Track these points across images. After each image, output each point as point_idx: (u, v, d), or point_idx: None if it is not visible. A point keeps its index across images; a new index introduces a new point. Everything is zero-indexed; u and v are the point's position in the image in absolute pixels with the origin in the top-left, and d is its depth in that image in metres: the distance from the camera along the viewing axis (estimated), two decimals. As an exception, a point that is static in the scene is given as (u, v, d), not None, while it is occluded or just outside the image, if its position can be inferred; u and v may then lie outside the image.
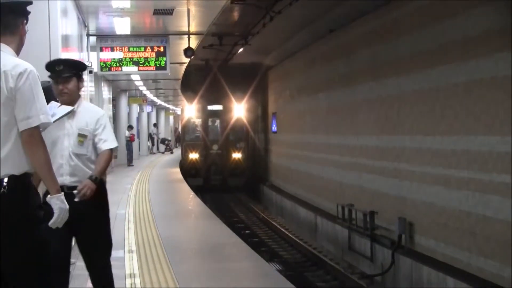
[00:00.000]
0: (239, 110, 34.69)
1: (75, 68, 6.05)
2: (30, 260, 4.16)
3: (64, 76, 5.84)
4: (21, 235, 4.13)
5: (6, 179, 4.08)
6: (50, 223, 4.33)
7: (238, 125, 34.97)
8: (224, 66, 30.72)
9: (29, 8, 4.50)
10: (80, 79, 6.06)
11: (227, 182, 34.21)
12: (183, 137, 36.54)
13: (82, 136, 5.81)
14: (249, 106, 35.37)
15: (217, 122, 36.29)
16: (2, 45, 4.33)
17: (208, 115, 35.86)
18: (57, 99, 5.86)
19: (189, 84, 33.06)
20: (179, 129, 46.57)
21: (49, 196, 4.34)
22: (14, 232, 4.10)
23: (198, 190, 21.96)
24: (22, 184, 4.15)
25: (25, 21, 4.50)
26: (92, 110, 6.18)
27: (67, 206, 4.39)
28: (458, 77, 12.75)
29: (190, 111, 35.74)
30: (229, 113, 34.94)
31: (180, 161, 36.78)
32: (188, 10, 15.12)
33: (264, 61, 31.07)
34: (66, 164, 5.73)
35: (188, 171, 33.03)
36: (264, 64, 31.97)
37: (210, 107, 35.43)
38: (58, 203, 4.34)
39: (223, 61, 29.77)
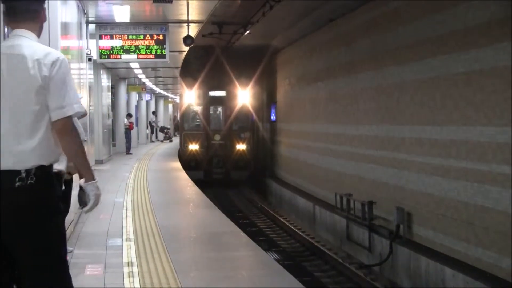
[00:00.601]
0: (244, 96, 31.50)
1: None
2: (52, 249, 4.19)
3: None
4: (45, 226, 4.14)
5: (33, 170, 4.07)
6: (85, 210, 4.42)
7: (243, 113, 31.69)
8: (227, 48, 27.25)
9: None
10: None
11: (230, 176, 31.00)
12: (182, 126, 32.67)
13: None
14: (255, 92, 32.32)
15: (220, 109, 32.69)
16: (27, 31, 4.32)
17: (209, 102, 32.24)
18: None
19: (190, 68, 30.42)
20: (178, 118, 45.56)
21: (84, 182, 4.34)
22: (39, 223, 4.12)
23: (198, 184, 20.67)
24: (48, 175, 4.16)
25: (45, 7, 4.49)
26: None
27: (101, 193, 4.43)
28: (458, 67, 12.74)
29: (190, 97, 31.91)
30: (233, 99, 31.60)
31: (178, 151, 34.54)
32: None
33: (272, 42, 28.22)
34: None
35: (188, 163, 29.65)
36: (272, 46, 29.02)
37: (212, 93, 32.00)
38: (94, 190, 4.35)
39: (227, 44, 26.44)
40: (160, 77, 38.08)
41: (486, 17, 11.83)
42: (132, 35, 17.12)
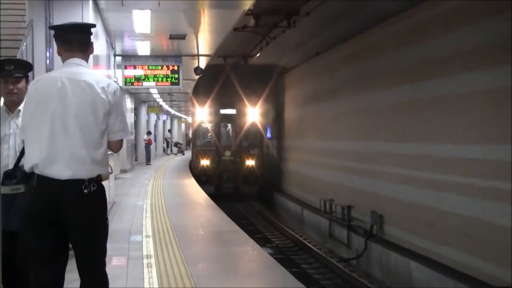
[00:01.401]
0: (254, 114, 28.34)
1: (25, 69, 5.31)
2: (104, 238, 4.34)
3: (15, 76, 5.10)
4: (103, 220, 4.31)
5: (94, 179, 4.16)
6: None
7: (252, 131, 28.51)
8: (238, 68, 24.58)
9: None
10: (27, 79, 5.25)
11: (240, 190, 27.94)
12: (194, 142, 29.79)
13: None
14: (263, 110, 29.02)
15: (230, 127, 29.68)
16: (82, 60, 4.39)
17: (220, 120, 29.19)
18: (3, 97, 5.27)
19: (201, 86, 26.80)
20: (189, 134, 45.03)
21: None
22: (100, 217, 4.28)
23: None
24: (101, 182, 4.24)
25: (92, 41, 4.56)
26: None
27: None
28: (422, 93, 12.84)
29: (201, 115, 28.97)
30: (242, 117, 28.47)
31: (189, 163, 32.53)
32: (198, 36, 15.21)
33: (280, 62, 25.21)
34: (11, 164, 4.93)
35: (199, 178, 25.87)
36: (280, 66, 25.88)
37: (223, 111, 28.98)
38: None
39: (237, 63, 24.17)
40: (175, 100, 38.04)
41: (446, 52, 11.91)
42: (152, 65, 17.14)
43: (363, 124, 16.33)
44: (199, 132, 29.55)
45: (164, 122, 49.07)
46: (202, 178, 26.99)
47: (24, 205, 4.18)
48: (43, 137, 4.08)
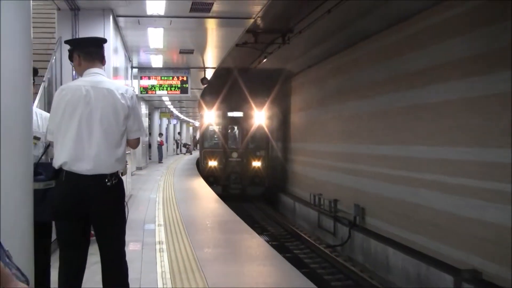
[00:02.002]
0: (260, 117, 25.73)
1: (34, 74, 4.82)
2: (123, 225, 4.43)
3: None
4: (122, 208, 4.38)
5: (115, 173, 4.25)
6: None
7: (259, 133, 25.88)
8: (245, 72, 22.46)
9: None
10: (34, 84, 4.71)
11: (247, 191, 25.43)
12: (202, 144, 27.09)
13: (35, 138, 4.53)
14: (270, 113, 26.42)
15: (237, 129, 27.29)
16: (101, 70, 4.46)
17: (228, 122, 26.63)
18: None
19: (209, 90, 24.52)
20: (197, 136, 44.41)
21: None
22: (120, 206, 4.36)
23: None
24: (120, 177, 4.34)
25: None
26: (42, 114, 4.89)
27: None
28: (401, 102, 12.92)
29: (209, 117, 26.39)
30: (249, 120, 25.84)
31: (197, 165, 30.27)
32: (204, 51, 15.27)
33: (287, 67, 23.07)
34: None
35: (207, 179, 23.50)
36: (286, 70, 23.63)
37: (230, 114, 26.44)
38: None
39: (244, 68, 22.11)
40: (184, 107, 38.05)
41: (421, 66, 11.96)
42: (164, 76, 17.16)
43: (349, 129, 16.39)
44: (207, 134, 26.96)
45: (174, 125, 49.09)
46: (210, 178, 24.57)
47: (54, 198, 4.25)
48: (71, 139, 4.14)
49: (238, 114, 26.31)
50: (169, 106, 35.14)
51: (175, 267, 7.05)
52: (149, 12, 10.36)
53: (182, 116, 50.92)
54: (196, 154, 39.80)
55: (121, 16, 10.62)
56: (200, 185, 19.39)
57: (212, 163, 25.48)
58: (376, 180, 14.17)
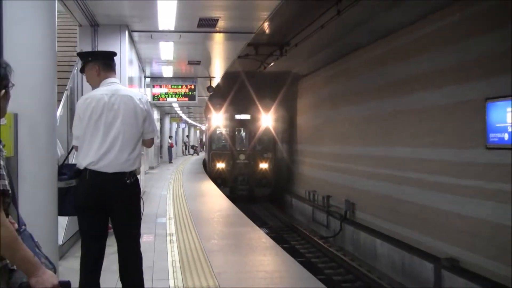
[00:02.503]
0: (267, 119, 24.01)
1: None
2: (139, 219, 4.46)
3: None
4: (138, 203, 4.41)
5: (132, 172, 4.28)
6: None
7: (266, 135, 24.15)
8: (253, 75, 20.45)
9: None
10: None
11: (254, 192, 23.71)
12: (210, 146, 25.07)
13: None
14: (277, 116, 24.70)
15: (244, 131, 25.20)
16: (117, 79, 4.51)
17: (235, 124, 24.77)
18: None
19: (217, 93, 22.51)
20: (205, 138, 43.78)
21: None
22: (137, 201, 4.39)
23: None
24: (136, 175, 4.36)
25: None
26: None
27: None
28: (387, 108, 12.95)
29: (217, 120, 24.59)
30: (256, 122, 24.07)
31: (204, 165, 29.14)
32: (210, 62, 15.30)
33: (294, 70, 21.27)
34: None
35: (215, 181, 21.62)
36: (293, 73, 21.78)
37: (238, 116, 24.67)
38: None
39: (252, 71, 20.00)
40: (192, 112, 38.05)
41: (404, 75, 11.98)
42: (174, 85, 17.19)
43: (340, 131, 16.41)
44: (214, 136, 24.91)
45: (183, 129, 49.08)
46: (218, 180, 22.70)
47: (78, 194, 4.26)
48: (97, 142, 4.18)
49: (246, 116, 24.57)
50: (178, 112, 35.16)
51: (184, 257, 7.08)
52: (160, 28, 10.40)
53: (190, 121, 50.94)
54: (202, 155, 39.54)
55: (135, 31, 10.67)
56: (206, 183, 19.40)
57: (220, 165, 23.76)
58: (364, 178, 14.17)
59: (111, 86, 4.37)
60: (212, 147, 24.64)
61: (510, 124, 8.96)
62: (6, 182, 2.17)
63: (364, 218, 14.07)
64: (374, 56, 13.73)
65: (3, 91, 2.27)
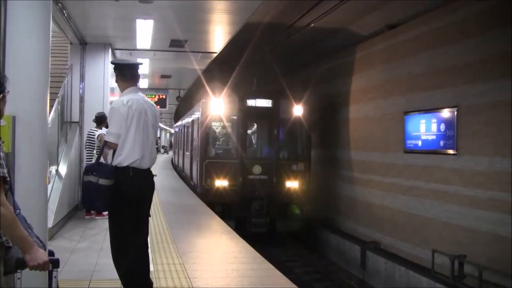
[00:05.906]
0: (298, 109, 12.35)
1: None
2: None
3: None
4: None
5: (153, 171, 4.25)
6: None
7: (296, 134, 12.83)
8: (284, 33, 11.08)
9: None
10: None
11: (276, 227, 12.03)
12: (204, 151, 12.36)
13: None
14: (313, 104, 13.27)
15: (262, 128, 13.22)
16: (139, 88, 4.41)
17: (246, 115, 12.34)
18: None
19: (217, 66, 13.32)
20: (173, 140, 41.96)
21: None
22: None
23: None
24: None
25: None
26: None
27: None
28: (375, 112, 11.17)
29: (216, 108, 12.12)
30: (281, 114, 12.34)
31: (171, 160, 22.93)
32: (179, 76, 15.35)
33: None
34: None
35: (212, 207, 10.74)
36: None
37: (250, 102, 12.35)
38: None
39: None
40: (163, 118, 37.84)
41: (395, 76, 10.43)
42: (148, 94, 17.02)
43: (324, 135, 13.85)
44: (209, 135, 12.68)
45: (155, 132, 48.73)
46: (217, 207, 11.45)
47: (126, 190, 4.01)
48: (139, 142, 4.07)
49: (265, 102, 12.57)
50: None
51: (154, 240, 7.07)
52: (138, 47, 10.63)
53: (161, 125, 50.66)
54: (171, 153, 38.93)
55: (117, 49, 10.88)
56: (174, 177, 19.13)
57: (221, 183, 12.02)
58: (352, 184, 12.07)
59: (138, 93, 4.25)
60: (207, 152, 12.52)
61: (423, 133, 9.31)
62: (5, 170, 2.21)
63: (347, 225, 12.24)
64: (347, 61, 12.30)
65: (1, 95, 2.31)
